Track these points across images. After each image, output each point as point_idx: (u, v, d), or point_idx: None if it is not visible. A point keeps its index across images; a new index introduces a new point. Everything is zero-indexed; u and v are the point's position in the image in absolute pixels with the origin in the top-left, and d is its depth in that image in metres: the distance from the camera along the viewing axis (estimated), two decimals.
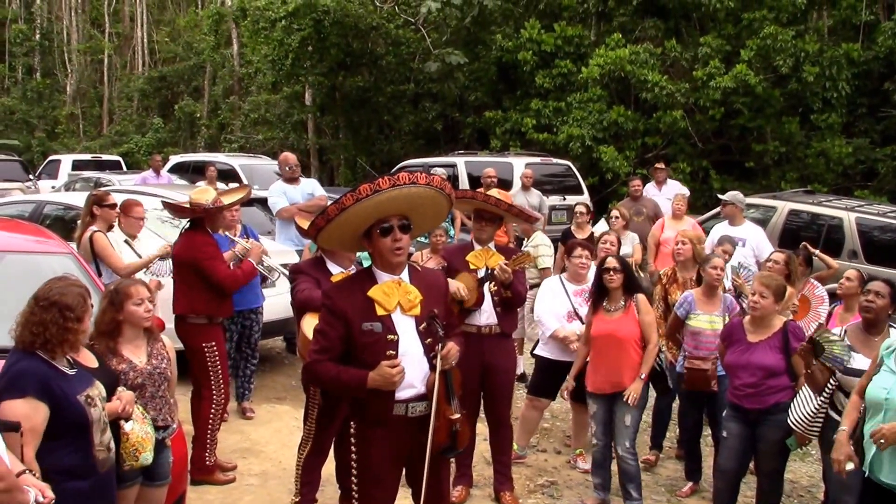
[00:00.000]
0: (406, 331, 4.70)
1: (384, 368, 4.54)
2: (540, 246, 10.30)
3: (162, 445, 5.20)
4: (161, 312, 6.69)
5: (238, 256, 7.79)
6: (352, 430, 4.86)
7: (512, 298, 7.04)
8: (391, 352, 4.59)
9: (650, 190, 16.22)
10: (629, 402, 6.83)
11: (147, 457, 4.77)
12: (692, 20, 22.39)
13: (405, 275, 4.78)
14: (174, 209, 7.92)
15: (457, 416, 4.75)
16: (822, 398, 5.92)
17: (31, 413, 4.11)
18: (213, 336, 7.48)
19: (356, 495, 4.89)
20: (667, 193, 15.59)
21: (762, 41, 19.92)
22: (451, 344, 4.76)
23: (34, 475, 3.89)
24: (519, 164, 16.93)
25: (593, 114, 21.18)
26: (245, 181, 18.03)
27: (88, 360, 4.58)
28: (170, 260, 7.96)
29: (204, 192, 7.66)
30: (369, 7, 24.56)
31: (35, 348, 4.26)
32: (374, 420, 4.74)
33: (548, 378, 7.91)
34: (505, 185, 15.49)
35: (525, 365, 10.93)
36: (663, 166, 16.56)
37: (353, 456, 4.85)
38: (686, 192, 14.35)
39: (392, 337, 4.64)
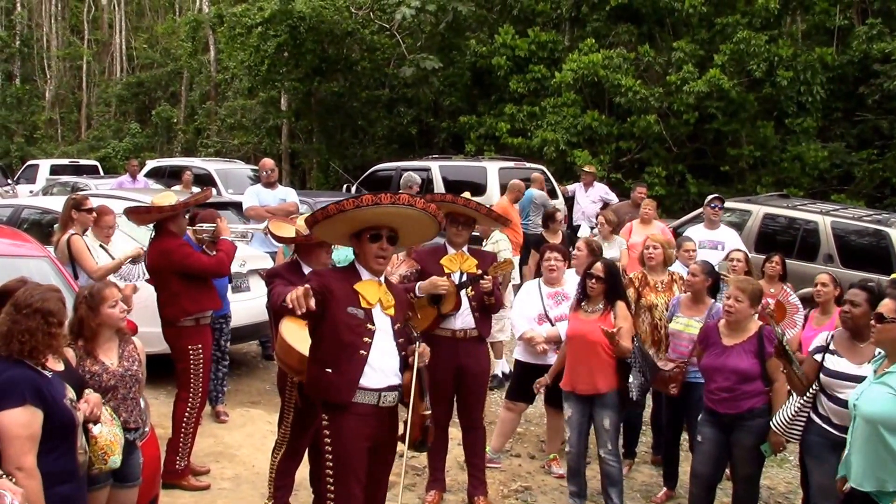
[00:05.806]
0: (382, 326, 5.19)
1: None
2: (500, 241, 10.49)
3: (132, 447, 5.18)
4: (135, 316, 6.64)
5: (212, 240, 7.74)
6: (325, 423, 5.13)
7: (492, 304, 7.03)
8: (367, 339, 5.08)
9: (578, 192, 16.58)
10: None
11: (115, 460, 4.72)
12: (665, 25, 22.40)
13: (383, 280, 5.33)
14: (136, 214, 7.82)
15: (428, 412, 5.21)
16: (803, 401, 5.91)
17: (31, 420, 4.12)
18: (201, 338, 7.49)
19: (332, 489, 5.08)
20: (592, 196, 16.01)
21: (735, 46, 19.95)
22: (424, 345, 5.22)
23: (10, 479, 3.90)
24: (493, 169, 16.99)
25: (567, 118, 21.18)
26: (220, 185, 18.11)
27: (55, 364, 4.53)
28: (142, 263, 7.93)
29: (165, 197, 7.64)
30: (344, 13, 24.50)
31: (23, 357, 4.25)
32: (336, 402, 5.07)
33: (524, 382, 7.83)
34: (479, 189, 15.51)
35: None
36: (591, 170, 17.12)
37: (328, 448, 5.08)
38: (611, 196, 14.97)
39: (371, 326, 5.12)
